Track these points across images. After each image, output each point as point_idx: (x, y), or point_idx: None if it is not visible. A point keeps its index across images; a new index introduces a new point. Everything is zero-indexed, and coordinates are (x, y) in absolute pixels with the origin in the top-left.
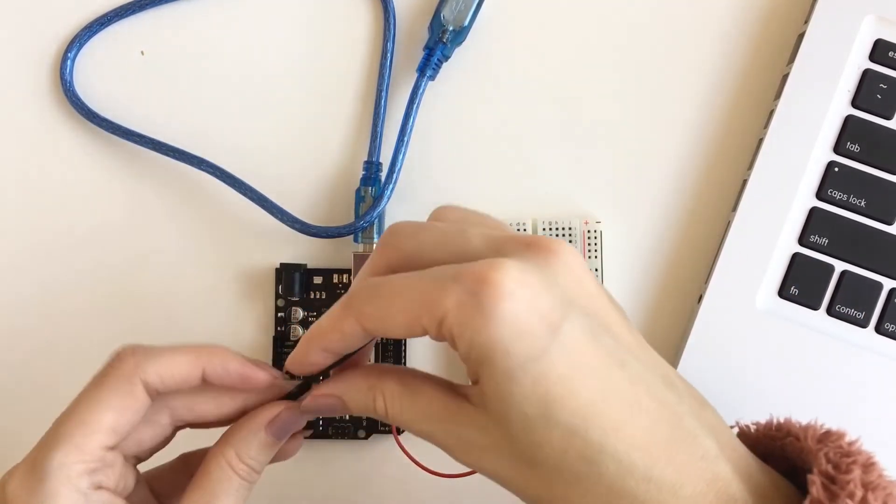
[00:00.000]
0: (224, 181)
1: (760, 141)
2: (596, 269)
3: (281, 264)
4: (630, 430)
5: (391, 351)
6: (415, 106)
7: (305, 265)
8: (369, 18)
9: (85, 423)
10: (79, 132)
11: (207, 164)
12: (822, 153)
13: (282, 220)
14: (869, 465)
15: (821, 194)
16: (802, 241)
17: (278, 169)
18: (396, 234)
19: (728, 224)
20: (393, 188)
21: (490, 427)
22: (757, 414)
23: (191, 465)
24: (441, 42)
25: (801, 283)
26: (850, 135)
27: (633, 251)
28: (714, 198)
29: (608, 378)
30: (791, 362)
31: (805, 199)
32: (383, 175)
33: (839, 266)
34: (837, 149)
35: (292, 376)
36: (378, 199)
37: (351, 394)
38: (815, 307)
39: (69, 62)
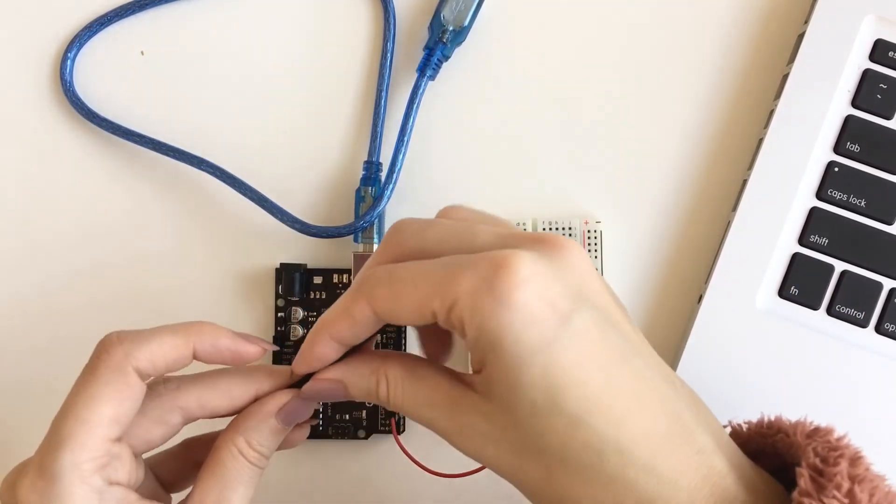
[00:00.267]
0: (224, 181)
1: (760, 141)
2: (596, 269)
3: (281, 264)
4: (633, 423)
5: (391, 349)
6: (415, 106)
7: (305, 265)
8: (369, 18)
9: (86, 421)
10: (79, 132)
11: (207, 164)
12: (822, 153)
13: (282, 220)
14: (856, 459)
15: (821, 194)
16: (802, 241)
17: (278, 169)
18: (401, 230)
19: (728, 224)
20: (393, 188)
21: (494, 414)
22: (757, 413)
23: (193, 451)
24: (441, 42)
25: (801, 283)
26: (850, 135)
27: (633, 251)
28: (714, 198)
29: (613, 371)
30: (791, 362)
31: (805, 199)
32: (383, 175)
33: (839, 266)
34: (837, 149)
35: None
36: (378, 199)
37: (353, 378)
38: (815, 307)
39: (69, 62)
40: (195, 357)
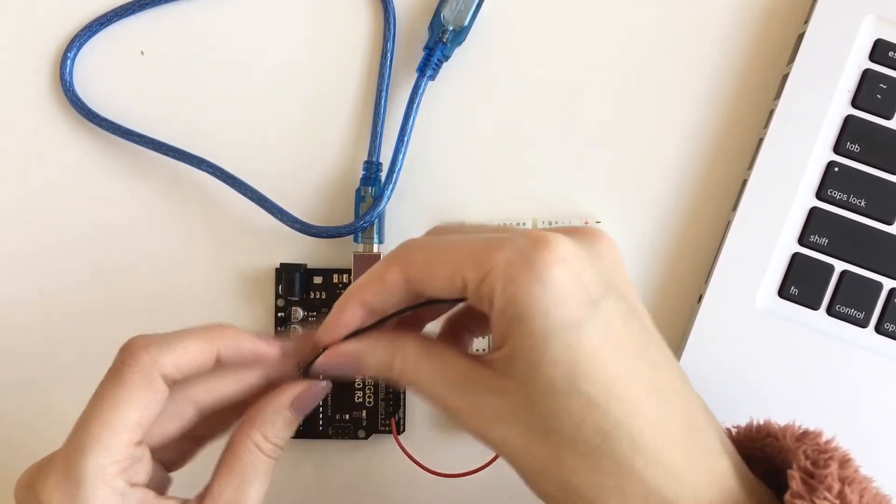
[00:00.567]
0: (224, 181)
1: (760, 141)
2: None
3: (281, 264)
4: (646, 412)
5: None
6: (415, 106)
7: (305, 265)
8: (369, 18)
9: (111, 425)
10: (79, 132)
11: (207, 164)
12: (822, 153)
13: (282, 220)
14: (845, 461)
15: (821, 194)
16: (802, 240)
17: (278, 169)
18: (440, 226)
19: (728, 224)
20: (393, 188)
21: (509, 391)
22: (757, 413)
23: (191, 428)
24: (441, 42)
25: (800, 283)
26: (850, 135)
27: (633, 251)
28: (714, 198)
29: (633, 359)
30: (791, 362)
31: (805, 198)
32: (383, 175)
33: (839, 266)
34: (837, 149)
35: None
36: (378, 199)
37: (369, 350)
38: (815, 307)
39: (69, 62)
40: (218, 360)
